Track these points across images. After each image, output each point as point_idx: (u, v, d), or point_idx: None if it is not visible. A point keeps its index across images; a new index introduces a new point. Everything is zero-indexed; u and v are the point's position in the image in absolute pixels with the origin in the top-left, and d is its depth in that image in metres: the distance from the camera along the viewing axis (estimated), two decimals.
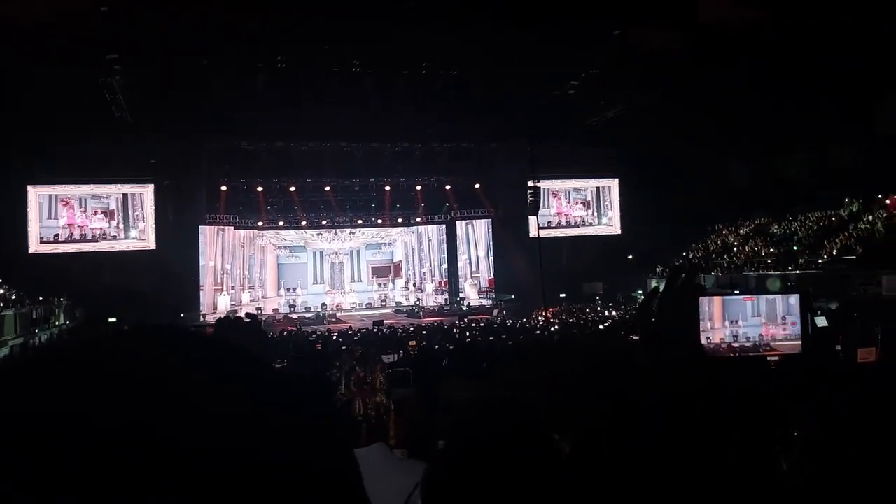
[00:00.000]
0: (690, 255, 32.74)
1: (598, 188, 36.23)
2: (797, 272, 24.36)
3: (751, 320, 2.04)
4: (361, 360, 2.65)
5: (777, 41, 21.55)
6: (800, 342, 2.00)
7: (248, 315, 2.03)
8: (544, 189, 33.41)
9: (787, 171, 27.46)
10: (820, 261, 24.35)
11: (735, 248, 30.38)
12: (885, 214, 24.84)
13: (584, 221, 36.06)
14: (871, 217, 25.37)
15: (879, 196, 25.69)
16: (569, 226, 35.86)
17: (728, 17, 20.82)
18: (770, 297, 2.09)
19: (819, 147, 25.28)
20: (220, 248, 31.69)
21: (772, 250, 27.84)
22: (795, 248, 26.22)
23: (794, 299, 1.98)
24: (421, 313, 31.04)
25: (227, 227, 32.05)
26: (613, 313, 25.19)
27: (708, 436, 1.13)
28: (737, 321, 2.04)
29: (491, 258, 34.78)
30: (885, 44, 19.95)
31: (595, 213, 36.19)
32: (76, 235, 29.31)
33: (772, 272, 25.61)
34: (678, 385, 1.12)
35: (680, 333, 1.14)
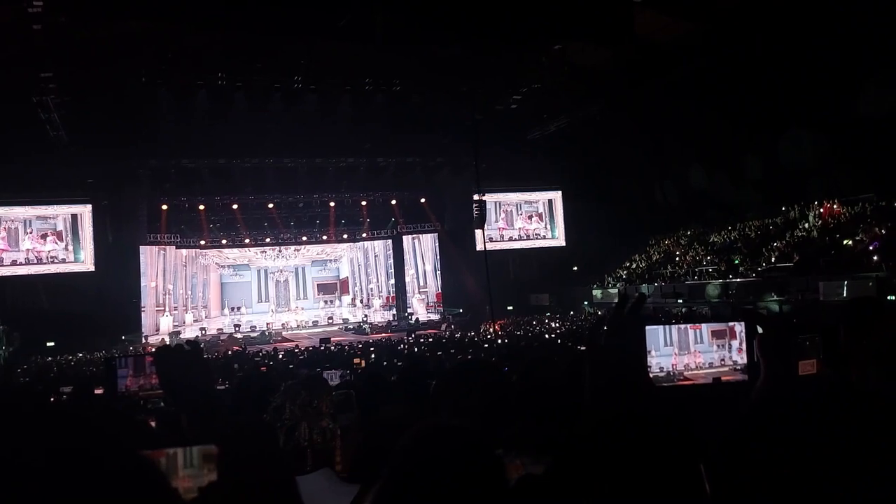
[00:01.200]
0: (633, 266, 33.36)
1: (549, 200, 36.68)
2: (738, 280, 25.02)
3: (704, 345, 2.06)
4: (307, 384, 2.62)
5: (709, 55, 22.22)
6: (745, 367, 2.05)
7: (188, 342, 2.00)
8: (493, 202, 33.70)
9: (725, 181, 28.29)
10: (759, 268, 25.06)
11: (677, 258, 31.07)
12: (819, 222, 25.73)
13: (536, 234, 36.42)
14: (807, 224, 26.25)
15: (815, 203, 26.60)
16: (520, 239, 36.18)
17: (662, 32, 21.43)
18: (714, 326, 2.13)
19: (754, 157, 26.05)
20: (161, 268, 31.00)
21: (712, 258, 28.54)
22: (736, 260, 26.93)
23: (739, 327, 2.03)
24: (368, 329, 30.85)
25: (168, 247, 31.38)
26: (556, 324, 25.46)
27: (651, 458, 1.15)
28: (690, 347, 2.07)
29: (438, 272, 34.84)
30: (814, 51, 20.78)
31: (548, 226, 36.61)
32: (18, 259, 28.25)
33: (712, 280, 26.27)
34: (624, 408, 1.14)
35: (627, 361, 1.17)
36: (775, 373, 1.46)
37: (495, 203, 34.48)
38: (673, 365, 2.06)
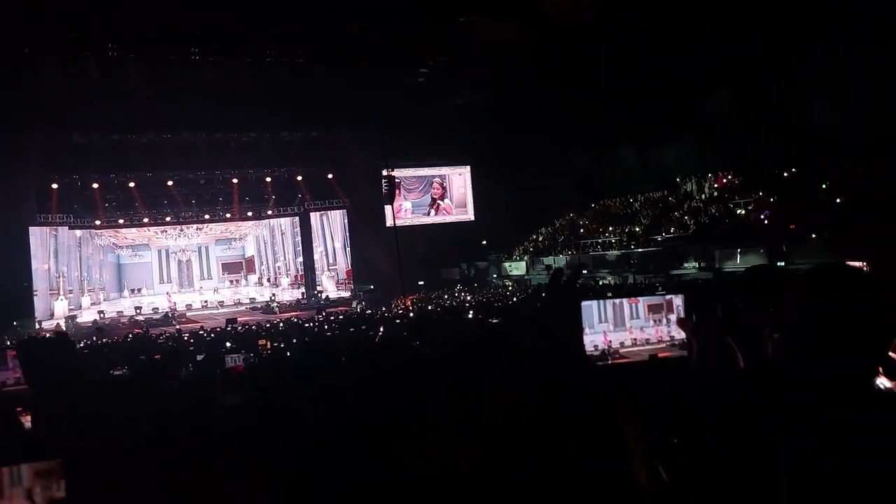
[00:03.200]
0: (539, 238, 34.01)
1: (458, 175, 36.78)
2: (639, 250, 25.88)
3: (640, 321, 1.96)
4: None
5: (613, 34, 22.66)
6: (682, 343, 1.94)
7: (55, 332, 1.84)
8: (403, 176, 33.56)
9: (625, 157, 29.14)
10: (658, 238, 25.97)
11: (581, 230, 31.84)
12: (715, 194, 26.87)
13: (445, 210, 36.55)
14: (703, 196, 27.38)
15: (710, 175, 27.72)
16: (429, 214, 36.22)
17: (573, 6, 21.68)
18: (659, 297, 2.04)
19: (653, 131, 26.87)
20: (53, 249, 29.40)
21: (615, 229, 29.39)
22: (637, 228, 27.82)
23: (678, 300, 1.93)
24: (277, 309, 30.28)
25: (60, 228, 29.76)
26: (469, 297, 25.70)
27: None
28: (626, 323, 1.96)
29: (348, 249, 34.50)
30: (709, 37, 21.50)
31: (455, 201, 36.76)
32: None
33: (615, 251, 27.11)
34: (560, 376, 1.11)
35: (563, 333, 1.13)
36: (709, 349, 1.43)
37: (404, 177, 34.34)
38: (608, 342, 1.96)
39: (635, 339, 1.88)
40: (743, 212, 23.87)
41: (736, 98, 23.22)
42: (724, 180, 27.10)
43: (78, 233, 31.08)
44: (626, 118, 26.60)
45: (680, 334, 1.81)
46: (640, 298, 2.03)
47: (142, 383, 3.78)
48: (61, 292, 29.51)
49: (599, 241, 29.25)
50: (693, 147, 26.28)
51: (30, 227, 28.02)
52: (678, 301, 1.82)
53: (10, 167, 26.88)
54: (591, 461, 1.20)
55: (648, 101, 24.99)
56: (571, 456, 1.18)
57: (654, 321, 1.93)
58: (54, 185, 29.03)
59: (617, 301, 1.90)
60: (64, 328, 23.48)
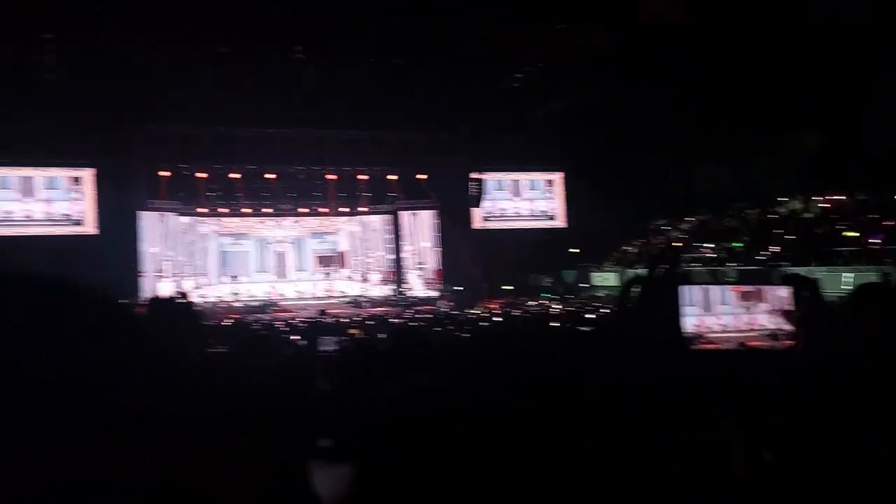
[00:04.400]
0: (633, 250, 33.36)
1: (550, 181, 36.54)
2: (739, 268, 25.02)
3: (729, 307, 1.90)
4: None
5: (714, 41, 22.08)
6: (773, 334, 1.86)
7: (180, 293, 2.03)
8: (493, 181, 33.65)
9: (726, 171, 28.22)
10: (759, 257, 25.05)
11: (676, 244, 31.01)
12: (823, 213, 25.69)
13: (537, 215, 36.38)
14: (809, 215, 26.23)
15: (816, 194, 26.53)
16: (520, 218, 36.13)
17: (670, 14, 21.28)
18: (743, 287, 1.95)
19: (759, 147, 25.96)
20: (160, 234, 30.98)
21: (714, 245, 28.50)
22: (737, 245, 26.91)
23: (785, 291, 1.83)
24: (366, 304, 30.90)
25: (168, 214, 31.34)
26: (559, 305, 25.50)
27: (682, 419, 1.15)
28: (721, 311, 1.89)
29: (437, 249, 34.81)
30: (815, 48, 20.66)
31: (548, 207, 36.52)
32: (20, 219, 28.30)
33: (714, 267, 26.28)
34: (656, 369, 1.13)
35: (660, 321, 1.15)
36: (817, 340, 1.44)
37: (494, 181, 34.39)
38: (695, 327, 1.89)
39: (724, 325, 1.84)
40: (853, 234, 22.71)
41: (849, 113, 22.15)
42: (833, 199, 25.86)
43: (183, 219, 32.62)
44: (729, 129, 25.81)
45: (770, 324, 1.77)
46: (733, 285, 1.98)
47: (244, 360, 4.02)
48: (167, 275, 31.04)
49: (695, 256, 28.44)
50: (801, 162, 25.20)
51: (140, 212, 29.59)
52: (781, 292, 1.76)
53: (125, 155, 28.52)
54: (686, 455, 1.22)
55: (754, 113, 24.20)
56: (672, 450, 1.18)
57: (745, 308, 1.89)
58: (164, 173, 30.58)
59: (708, 286, 1.85)
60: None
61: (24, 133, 26.27)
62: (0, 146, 26.79)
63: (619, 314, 1.21)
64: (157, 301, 1.97)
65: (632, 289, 1.20)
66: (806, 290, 1.58)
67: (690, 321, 1.72)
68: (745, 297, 1.87)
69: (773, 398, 1.48)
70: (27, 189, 28.62)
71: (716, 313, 1.87)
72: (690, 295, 1.78)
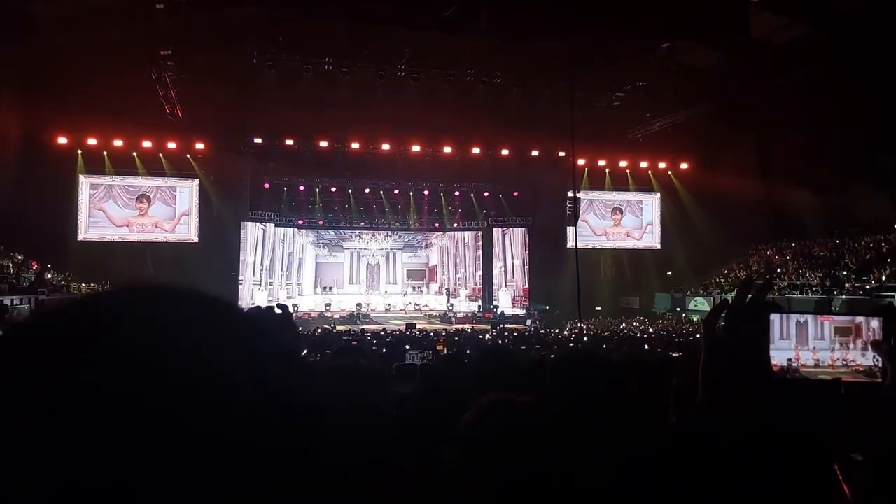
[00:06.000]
0: (731, 275, 32.22)
1: (648, 202, 35.69)
2: (843, 297, 23.81)
3: (825, 342, 1.84)
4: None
5: (823, 60, 21.17)
6: (877, 369, 1.78)
7: (279, 305, 2.10)
8: (588, 200, 33.23)
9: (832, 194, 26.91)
10: (868, 286, 23.76)
11: (778, 269, 29.78)
12: None
13: (632, 236, 35.58)
14: None
15: None
16: (614, 238, 35.41)
17: (776, 33, 20.57)
18: (849, 318, 1.87)
19: (868, 170, 24.67)
20: (260, 244, 32.14)
21: (815, 272, 27.24)
22: (844, 272, 25.61)
23: (875, 322, 1.76)
24: (453, 318, 31.04)
25: (268, 224, 32.49)
26: (650, 329, 24.90)
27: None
28: (808, 342, 1.84)
29: (526, 267, 34.63)
30: None
31: (644, 228, 35.64)
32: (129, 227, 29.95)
33: (815, 296, 25.09)
34: (743, 402, 1.10)
35: (748, 350, 1.13)
36: None
37: (589, 200, 33.93)
38: (788, 360, 1.85)
39: (818, 361, 1.76)
40: None
41: None
42: None
43: (281, 230, 33.74)
44: (834, 151, 24.68)
45: (867, 361, 1.68)
46: (830, 317, 1.88)
47: (338, 366, 4.12)
48: (263, 284, 32.14)
49: (798, 282, 27.21)
50: None
51: (242, 222, 30.79)
52: (874, 324, 1.67)
53: (232, 166, 29.81)
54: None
55: (865, 138, 23.05)
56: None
57: (841, 344, 1.79)
58: (266, 185, 31.75)
59: (801, 318, 1.77)
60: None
61: (138, 144, 27.97)
62: (117, 155, 28.62)
63: (706, 341, 1.18)
64: (255, 311, 2.04)
65: (718, 315, 1.17)
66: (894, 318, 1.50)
67: (778, 353, 1.65)
68: (840, 328, 1.79)
69: (856, 433, 1.44)
70: (137, 197, 30.19)
71: (808, 346, 1.80)
72: (783, 325, 1.72)
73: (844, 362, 1.88)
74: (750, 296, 1.15)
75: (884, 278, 23.66)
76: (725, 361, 1.16)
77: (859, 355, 1.82)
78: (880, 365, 1.63)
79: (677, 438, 1.17)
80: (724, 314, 1.17)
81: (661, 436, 1.23)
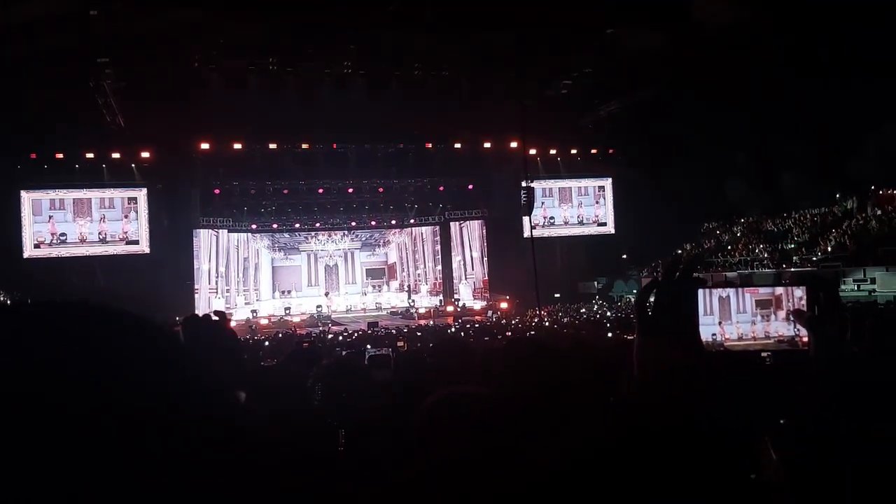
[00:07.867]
0: (681, 253, 32.78)
1: (600, 187, 36.07)
2: (792, 270, 24.41)
3: (746, 315, 1.86)
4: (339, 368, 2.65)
5: (765, 41, 21.59)
6: (803, 338, 1.79)
7: (216, 312, 2.01)
8: (541, 188, 33.41)
9: (781, 169, 27.52)
10: (814, 258, 24.39)
11: (729, 247, 30.41)
12: (878, 212, 24.90)
13: (585, 221, 35.89)
14: (865, 214, 25.43)
15: (873, 188, 25.73)
16: (568, 225, 35.70)
17: (719, 15, 20.89)
18: (769, 290, 1.90)
19: (810, 146, 25.28)
20: (214, 251, 31.60)
21: (765, 247, 27.87)
22: (791, 245, 26.26)
23: (799, 292, 1.78)
24: (415, 314, 31.00)
25: (220, 230, 31.97)
26: (608, 312, 25.19)
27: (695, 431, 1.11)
28: (731, 317, 1.86)
29: (485, 259, 34.74)
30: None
31: (597, 213, 36.01)
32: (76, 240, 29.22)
33: (766, 270, 25.68)
34: (676, 381, 1.09)
35: (678, 327, 1.11)
36: (829, 337, 1.40)
37: (543, 189, 34.13)
38: (713, 336, 1.86)
39: (741, 334, 1.78)
40: None
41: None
42: (889, 197, 25.04)
43: (235, 235, 33.24)
44: (781, 130, 25.20)
45: (790, 332, 1.70)
46: (755, 289, 1.89)
47: (293, 367, 4.04)
48: (219, 291, 31.64)
49: (748, 258, 27.82)
50: (855, 161, 24.46)
51: (194, 230, 30.26)
52: (798, 293, 1.68)
53: (179, 174, 29.26)
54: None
55: (804, 113, 23.59)
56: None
57: (762, 316, 1.81)
58: (217, 191, 31.23)
59: (724, 292, 1.79)
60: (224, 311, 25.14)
61: (80, 156, 27.24)
62: (60, 169, 27.85)
63: (639, 321, 1.16)
64: (190, 320, 1.96)
65: (649, 293, 1.15)
66: (821, 291, 1.52)
67: (703, 329, 1.65)
68: (761, 301, 1.80)
69: (782, 400, 1.47)
70: (82, 210, 29.45)
71: (731, 320, 1.82)
72: (706, 300, 1.72)
73: (766, 333, 1.90)
74: (677, 273, 1.13)
75: (829, 249, 24.32)
76: (658, 339, 1.14)
77: (782, 326, 1.84)
78: (801, 333, 1.65)
79: (613, 418, 1.16)
80: (653, 292, 1.16)
81: (599, 416, 1.23)
